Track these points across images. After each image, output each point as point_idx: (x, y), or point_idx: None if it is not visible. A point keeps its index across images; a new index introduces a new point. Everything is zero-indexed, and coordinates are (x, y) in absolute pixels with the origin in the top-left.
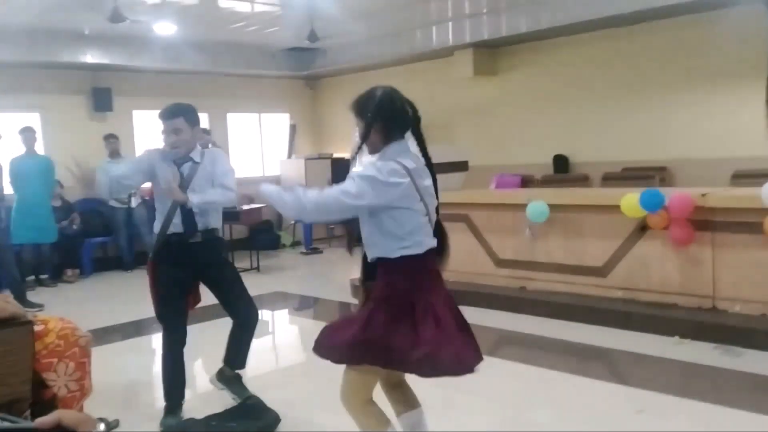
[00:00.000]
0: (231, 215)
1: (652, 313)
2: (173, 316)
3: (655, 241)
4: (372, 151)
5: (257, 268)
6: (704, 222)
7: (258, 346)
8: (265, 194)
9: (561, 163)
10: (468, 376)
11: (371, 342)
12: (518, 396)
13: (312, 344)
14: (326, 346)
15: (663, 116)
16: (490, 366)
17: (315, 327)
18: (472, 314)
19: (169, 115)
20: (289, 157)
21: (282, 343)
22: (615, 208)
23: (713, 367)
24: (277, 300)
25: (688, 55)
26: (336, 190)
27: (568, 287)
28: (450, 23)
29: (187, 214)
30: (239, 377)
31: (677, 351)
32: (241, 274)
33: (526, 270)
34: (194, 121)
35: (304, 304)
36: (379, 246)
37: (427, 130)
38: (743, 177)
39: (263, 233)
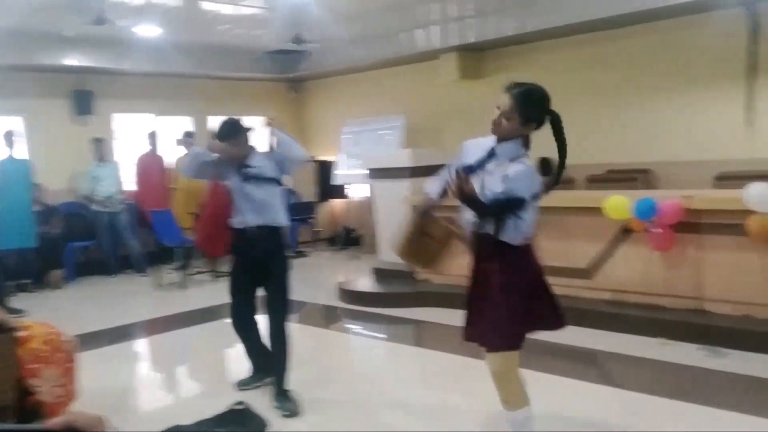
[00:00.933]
0: None
1: (639, 314)
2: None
3: (640, 242)
4: (504, 137)
5: None
6: (689, 224)
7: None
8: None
9: (546, 165)
10: (460, 379)
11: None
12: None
13: (296, 349)
14: (484, 334)
15: (646, 119)
16: (477, 368)
17: (301, 331)
18: (458, 318)
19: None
20: None
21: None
22: (599, 210)
23: (699, 368)
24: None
25: (671, 58)
26: None
27: (554, 289)
28: (436, 26)
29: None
30: (283, 392)
31: (663, 352)
32: (223, 278)
33: None
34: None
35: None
36: (510, 233)
37: (416, 133)
38: (726, 179)
39: None
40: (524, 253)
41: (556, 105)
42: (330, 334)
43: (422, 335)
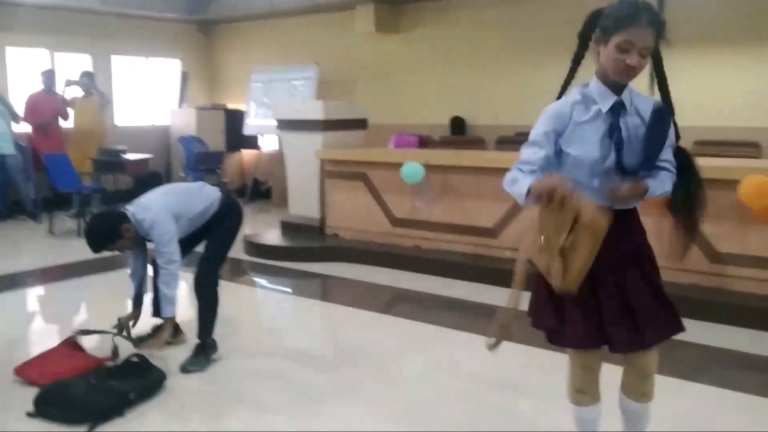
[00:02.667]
0: (115, 165)
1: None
2: None
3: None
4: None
5: None
6: None
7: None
8: None
9: (458, 124)
10: (362, 332)
11: None
12: (409, 351)
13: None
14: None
15: (555, 81)
16: (382, 323)
17: None
18: (368, 272)
19: None
20: (180, 106)
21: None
22: (506, 171)
23: None
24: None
25: (579, 21)
26: None
27: (461, 247)
28: None
29: None
30: (201, 346)
31: None
32: None
33: (422, 230)
34: None
35: (191, 259)
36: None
37: (329, 85)
38: None
39: (150, 184)
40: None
41: (466, 65)
42: (235, 287)
43: (328, 290)
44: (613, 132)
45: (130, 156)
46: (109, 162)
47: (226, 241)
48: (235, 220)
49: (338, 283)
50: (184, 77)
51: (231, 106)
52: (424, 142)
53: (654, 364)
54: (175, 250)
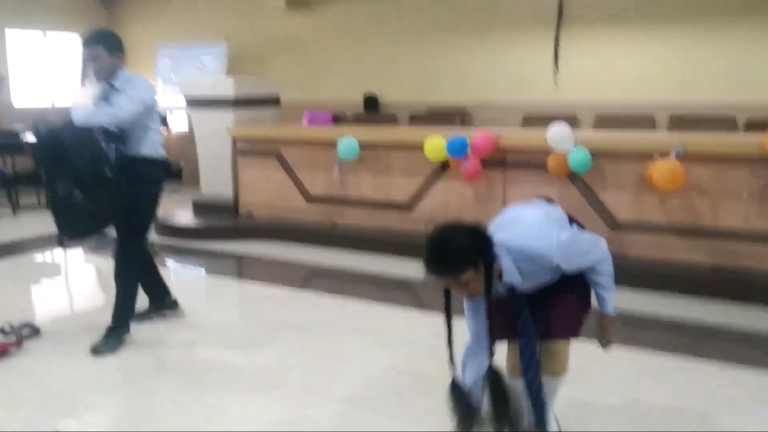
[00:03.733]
0: (13, 147)
1: None
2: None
3: (455, 178)
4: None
5: (46, 205)
6: (497, 160)
7: (52, 287)
8: None
9: (371, 101)
10: (279, 309)
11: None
12: (328, 325)
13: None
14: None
15: (465, 60)
16: (300, 299)
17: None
18: (284, 250)
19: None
20: (83, 84)
21: (79, 284)
22: (420, 148)
23: None
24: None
25: (491, 2)
26: None
27: (376, 222)
28: None
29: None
30: (110, 328)
31: None
32: (28, 211)
33: (337, 206)
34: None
35: (101, 243)
36: None
37: (239, 62)
38: (532, 120)
39: None
40: None
41: (378, 42)
42: None
43: (243, 268)
44: None
45: (30, 138)
46: (7, 144)
47: (143, 212)
48: (154, 187)
49: (253, 261)
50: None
51: None
52: (336, 119)
53: (561, 355)
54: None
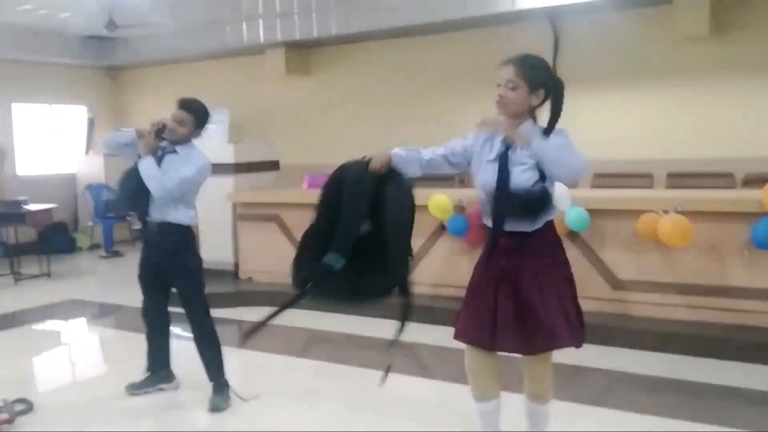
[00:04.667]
0: (15, 216)
1: (454, 307)
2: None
3: (455, 239)
4: (513, 113)
5: (48, 274)
6: None
7: (51, 359)
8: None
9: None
10: (275, 376)
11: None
12: (325, 392)
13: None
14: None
15: (461, 121)
16: (299, 367)
17: (117, 336)
18: (283, 315)
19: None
20: (87, 152)
21: (79, 355)
22: (421, 208)
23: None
24: (73, 308)
25: (481, 64)
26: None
27: None
28: (262, 21)
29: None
30: (215, 386)
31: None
32: (30, 281)
33: None
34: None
35: (104, 312)
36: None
37: (241, 127)
38: None
39: (55, 235)
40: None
41: (376, 105)
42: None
43: (242, 335)
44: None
45: (32, 206)
46: (8, 214)
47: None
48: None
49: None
50: (91, 123)
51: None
52: None
53: (546, 371)
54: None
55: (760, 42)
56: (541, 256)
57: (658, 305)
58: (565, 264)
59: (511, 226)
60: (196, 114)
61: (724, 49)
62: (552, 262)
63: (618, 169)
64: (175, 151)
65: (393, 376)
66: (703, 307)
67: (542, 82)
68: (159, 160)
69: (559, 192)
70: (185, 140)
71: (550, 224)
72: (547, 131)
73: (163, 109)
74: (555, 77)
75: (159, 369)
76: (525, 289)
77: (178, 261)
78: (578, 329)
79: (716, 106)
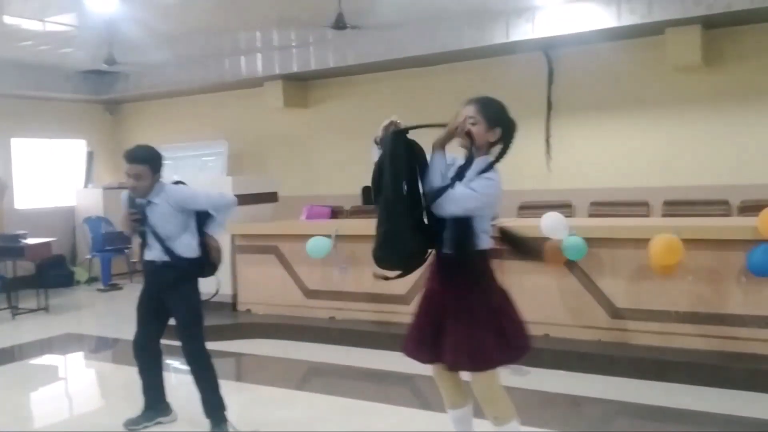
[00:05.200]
0: (14, 250)
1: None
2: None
3: None
4: (480, 150)
5: (45, 309)
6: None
7: (48, 393)
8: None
9: (369, 194)
10: (273, 409)
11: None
12: (324, 427)
13: (112, 389)
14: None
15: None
16: (298, 400)
17: (115, 371)
18: (282, 348)
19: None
20: (86, 186)
21: (76, 390)
22: None
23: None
24: (71, 342)
25: (477, 94)
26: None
27: (375, 315)
28: (260, 54)
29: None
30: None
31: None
32: (27, 315)
33: (335, 300)
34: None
35: (101, 346)
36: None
37: (240, 160)
38: (527, 208)
39: (53, 269)
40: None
41: (372, 134)
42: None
43: (241, 369)
44: None
45: (31, 240)
46: (7, 248)
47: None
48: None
49: (251, 360)
50: (90, 157)
51: None
52: (335, 213)
53: (485, 383)
54: None
55: (751, 72)
56: (464, 282)
57: (656, 333)
58: (486, 291)
59: (445, 247)
60: (151, 162)
61: (717, 79)
62: (474, 289)
63: (614, 197)
64: (151, 202)
65: (391, 408)
66: (701, 335)
67: (499, 121)
68: (144, 216)
69: (555, 220)
70: (148, 191)
71: (482, 253)
72: (492, 163)
73: (161, 139)
74: (510, 119)
75: (155, 404)
76: (444, 311)
77: (178, 292)
78: (479, 355)
79: (711, 134)
